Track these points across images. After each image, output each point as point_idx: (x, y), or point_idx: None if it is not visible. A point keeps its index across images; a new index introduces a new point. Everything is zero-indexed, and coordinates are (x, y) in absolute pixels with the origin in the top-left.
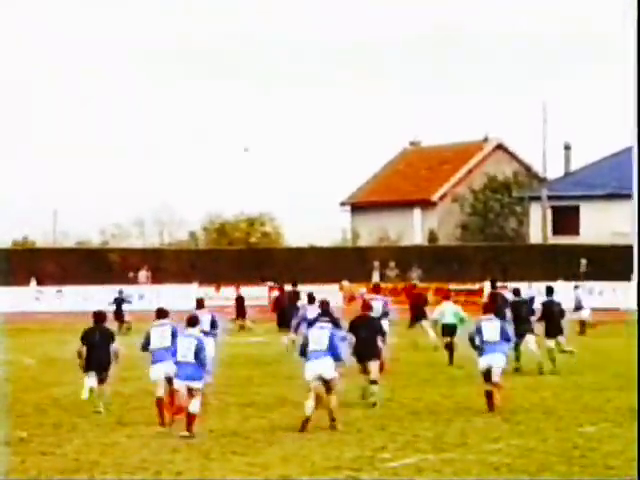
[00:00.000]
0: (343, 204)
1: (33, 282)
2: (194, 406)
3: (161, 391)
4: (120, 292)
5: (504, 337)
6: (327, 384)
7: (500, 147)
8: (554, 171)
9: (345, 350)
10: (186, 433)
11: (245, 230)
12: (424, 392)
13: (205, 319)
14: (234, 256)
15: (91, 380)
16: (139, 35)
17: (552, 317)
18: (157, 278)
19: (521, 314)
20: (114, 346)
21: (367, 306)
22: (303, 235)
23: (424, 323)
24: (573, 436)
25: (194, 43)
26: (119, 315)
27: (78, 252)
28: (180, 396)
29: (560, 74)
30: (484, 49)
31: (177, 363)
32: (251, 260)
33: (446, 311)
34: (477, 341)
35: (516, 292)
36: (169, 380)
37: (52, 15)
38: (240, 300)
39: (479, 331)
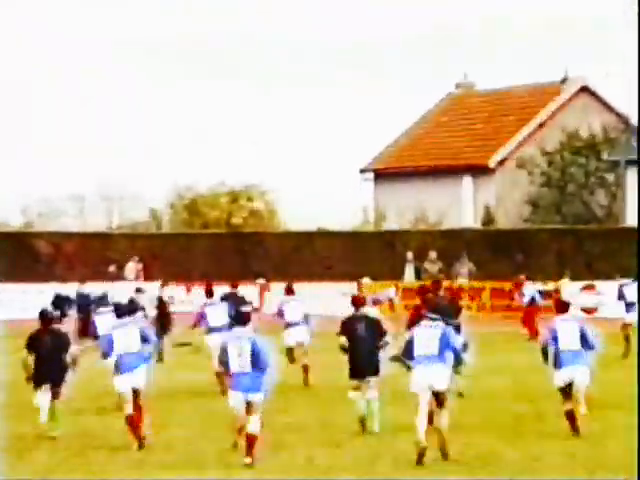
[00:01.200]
0: (364, 171)
1: None
2: (254, 425)
3: (130, 407)
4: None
5: (586, 343)
6: (437, 398)
7: (585, 90)
8: None
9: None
10: (249, 460)
11: (226, 208)
12: (479, 437)
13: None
14: (210, 243)
15: (44, 397)
16: (139, 35)
17: None
18: (102, 274)
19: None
20: (71, 351)
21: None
22: (307, 215)
23: None
24: None
25: (194, 43)
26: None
27: None
28: (237, 413)
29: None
30: (484, 49)
31: (233, 375)
32: (234, 249)
33: None
34: (552, 350)
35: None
36: (136, 393)
37: (52, 15)
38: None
39: (554, 337)
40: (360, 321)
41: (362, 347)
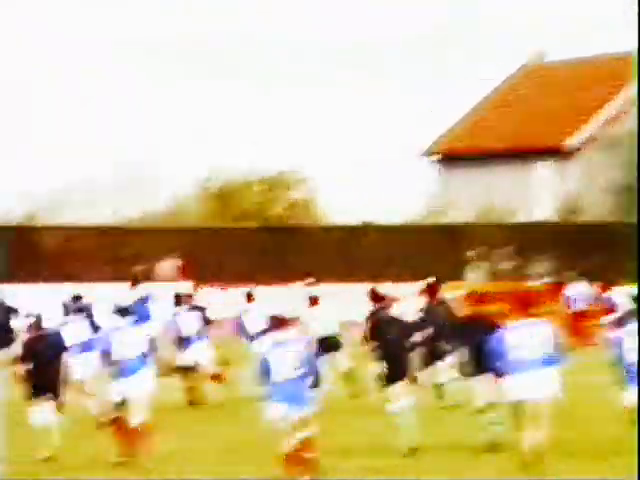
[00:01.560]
0: (428, 154)
1: None
2: (303, 435)
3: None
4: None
5: None
6: (534, 408)
7: None
8: None
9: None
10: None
11: (260, 198)
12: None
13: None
14: (243, 238)
15: (43, 411)
16: (139, 35)
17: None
18: (119, 271)
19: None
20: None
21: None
22: (356, 207)
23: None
24: None
25: (194, 43)
26: None
27: None
28: (286, 429)
29: None
30: (484, 49)
31: (277, 384)
32: (270, 245)
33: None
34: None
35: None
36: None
37: (52, 15)
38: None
39: (619, 345)
40: (388, 321)
41: (396, 349)
